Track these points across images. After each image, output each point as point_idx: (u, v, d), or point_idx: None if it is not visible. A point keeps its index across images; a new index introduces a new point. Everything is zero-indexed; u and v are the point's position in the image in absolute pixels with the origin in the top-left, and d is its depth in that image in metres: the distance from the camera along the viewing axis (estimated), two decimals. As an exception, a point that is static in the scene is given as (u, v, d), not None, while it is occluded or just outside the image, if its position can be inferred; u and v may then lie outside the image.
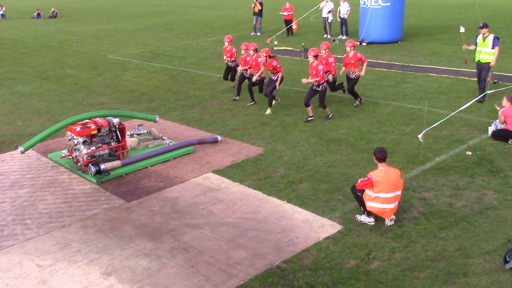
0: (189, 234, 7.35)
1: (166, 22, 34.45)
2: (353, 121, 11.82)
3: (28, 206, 8.44)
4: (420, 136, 9.47)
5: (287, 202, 8.15)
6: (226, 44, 14.48)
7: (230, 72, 14.77)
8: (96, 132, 9.66)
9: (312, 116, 11.98)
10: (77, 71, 19.39)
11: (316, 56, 11.55)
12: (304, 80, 11.78)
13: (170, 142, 10.72)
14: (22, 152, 9.32)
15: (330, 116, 12.08)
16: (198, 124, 12.26)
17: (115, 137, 9.96)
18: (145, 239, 7.27)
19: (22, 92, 16.23)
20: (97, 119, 9.82)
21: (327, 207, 7.92)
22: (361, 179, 7.34)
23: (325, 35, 24.32)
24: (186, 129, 11.95)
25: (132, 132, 11.08)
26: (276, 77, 12.69)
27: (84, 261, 6.79)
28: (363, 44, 21.76)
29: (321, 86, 11.67)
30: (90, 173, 9.23)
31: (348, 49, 12.61)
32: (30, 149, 10.76)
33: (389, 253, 6.65)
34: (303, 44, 20.88)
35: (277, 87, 12.70)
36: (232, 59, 14.45)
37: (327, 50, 12.62)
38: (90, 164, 9.28)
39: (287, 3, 25.48)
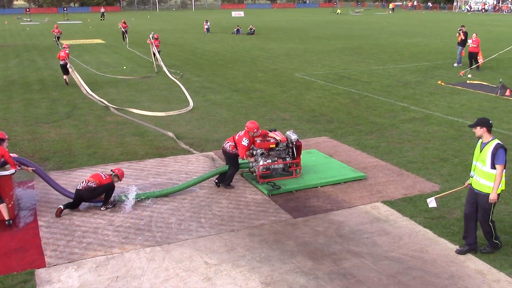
0: (350, 261, 7.22)
1: (355, 46, 34.63)
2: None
3: (205, 206, 9.11)
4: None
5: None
6: None
7: None
8: (274, 146, 10.08)
9: None
10: (264, 86, 20.46)
11: None
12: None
13: None
14: None
15: None
16: (373, 151, 12.03)
17: (290, 153, 10.27)
18: (305, 257, 7.33)
19: (214, 101, 17.65)
20: (277, 133, 10.25)
21: (507, 261, 7.14)
22: None
23: None
24: (361, 154, 11.80)
25: None
26: None
27: (246, 267, 7.08)
28: None
29: None
30: None
31: None
32: (213, 153, 11.67)
33: None
34: (500, 79, 19.27)
35: None
36: None
37: None
38: None
39: (474, 34, 23.43)
